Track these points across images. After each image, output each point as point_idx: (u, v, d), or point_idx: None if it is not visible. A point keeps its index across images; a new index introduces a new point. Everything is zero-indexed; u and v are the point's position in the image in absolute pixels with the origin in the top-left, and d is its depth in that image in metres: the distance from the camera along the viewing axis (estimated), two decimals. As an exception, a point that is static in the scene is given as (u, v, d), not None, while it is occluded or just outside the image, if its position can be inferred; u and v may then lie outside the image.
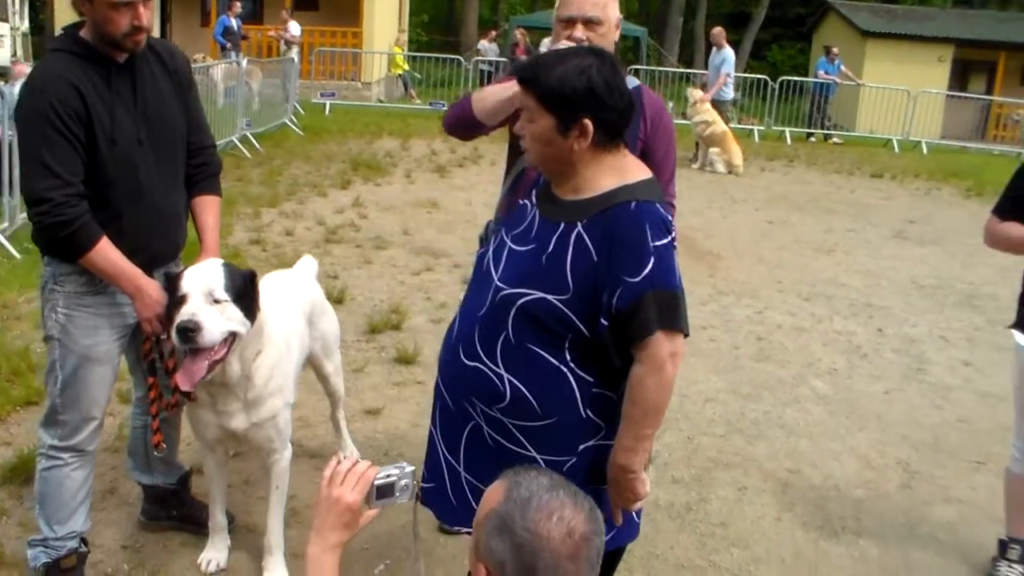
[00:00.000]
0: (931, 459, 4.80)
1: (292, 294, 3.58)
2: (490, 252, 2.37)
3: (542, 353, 2.21)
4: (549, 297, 2.17)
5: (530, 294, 2.19)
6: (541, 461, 2.24)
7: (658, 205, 2.19)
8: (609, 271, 2.13)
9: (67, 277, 2.88)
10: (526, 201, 2.38)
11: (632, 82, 2.85)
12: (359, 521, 1.89)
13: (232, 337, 2.85)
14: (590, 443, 2.27)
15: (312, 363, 3.86)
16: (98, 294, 2.91)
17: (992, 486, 4.54)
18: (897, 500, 4.34)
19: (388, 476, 1.93)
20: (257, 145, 12.89)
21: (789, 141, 18.31)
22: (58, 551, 3.04)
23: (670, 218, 2.22)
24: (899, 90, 19.08)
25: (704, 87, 15.56)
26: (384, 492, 1.92)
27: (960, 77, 25.43)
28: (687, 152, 15.02)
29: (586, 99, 2.11)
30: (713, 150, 13.90)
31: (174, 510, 3.56)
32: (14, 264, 6.70)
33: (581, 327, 2.18)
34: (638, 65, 21.45)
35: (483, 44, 24.17)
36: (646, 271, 2.11)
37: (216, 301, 2.77)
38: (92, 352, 2.92)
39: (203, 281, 2.78)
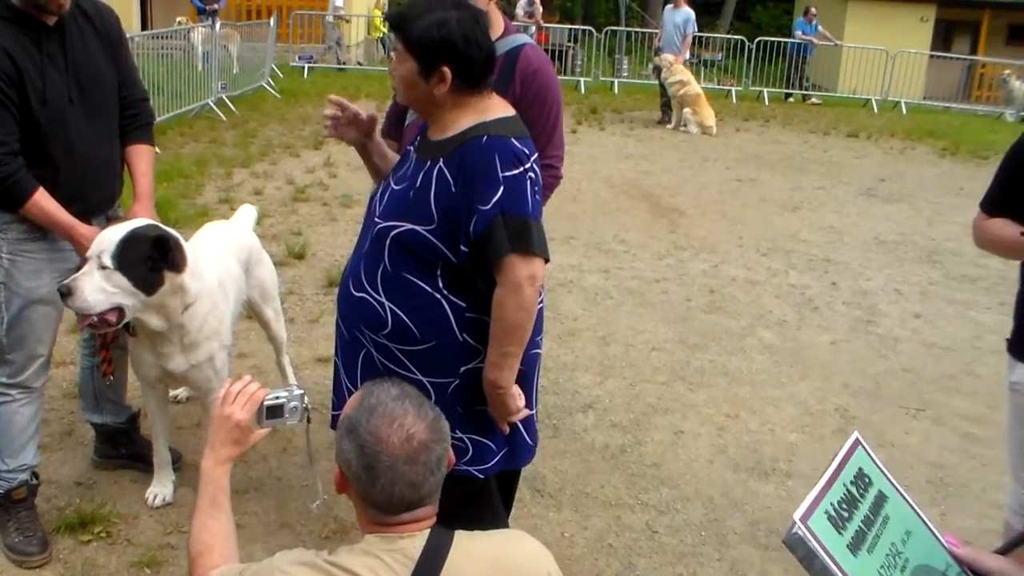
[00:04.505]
0: (869, 406, 4.93)
1: (229, 243, 3.71)
2: (377, 194, 2.55)
3: (416, 281, 2.38)
4: (417, 228, 2.35)
5: (401, 226, 2.37)
6: (427, 383, 2.42)
7: (513, 140, 2.34)
8: (464, 201, 2.30)
9: (9, 226, 3.03)
10: (410, 147, 2.57)
11: (519, 40, 3.00)
12: (249, 439, 2.03)
13: (119, 308, 2.92)
14: (470, 365, 2.44)
15: (252, 309, 4.02)
16: (39, 240, 3.06)
17: (927, 432, 4.69)
18: (831, 444, 4.45)
19: (277, 398, 2.06)
20: (233, 108, 12.92)
21: (767, 102, 18.35)
22: (10, 483, 3.22)
23: (526, 151, 2.36)
24: (878, 50, 19.12)
25: (659, 51, 15.49)
26: (273, 412, 2.05)
27: (944, 37, 25.33)
28: (654, 113, 15.15)
29: (444, 49, 2.30)
30: (686, 111, 13.96)
31: (123, 448, 3.74)
32: None
33: (448, 255, 2.35)
34: (617, 27, 21.31)
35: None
36: (495, 198, 2.28)
37: (103, 267, 2.87)
38: (34, 294, 3.08)
39: (100, 246, 2.89)
